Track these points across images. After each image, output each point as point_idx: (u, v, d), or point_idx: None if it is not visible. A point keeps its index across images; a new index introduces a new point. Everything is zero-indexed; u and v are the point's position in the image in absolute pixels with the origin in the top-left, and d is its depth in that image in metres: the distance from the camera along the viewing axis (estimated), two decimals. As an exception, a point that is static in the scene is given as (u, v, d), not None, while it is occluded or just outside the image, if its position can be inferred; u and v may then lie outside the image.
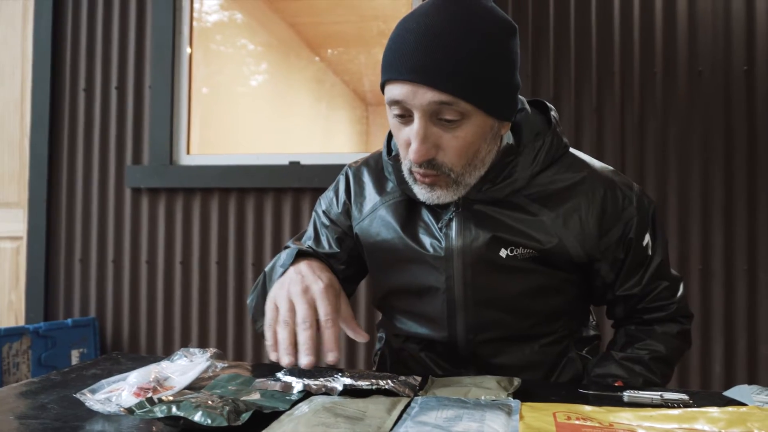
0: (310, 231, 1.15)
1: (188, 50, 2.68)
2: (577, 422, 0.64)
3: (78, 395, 0.73)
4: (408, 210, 1.02)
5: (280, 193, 2.52)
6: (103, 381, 0.77)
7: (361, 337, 0.87)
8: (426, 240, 0.99)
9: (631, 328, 1.07)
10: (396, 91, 0.85)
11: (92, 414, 0.70)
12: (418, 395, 0.76)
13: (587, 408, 0.70)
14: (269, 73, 3.50)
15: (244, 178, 2.52)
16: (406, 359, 1.10)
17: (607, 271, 1.01)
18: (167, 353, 0.90)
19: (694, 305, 2.22)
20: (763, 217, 2.20)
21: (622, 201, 0.98)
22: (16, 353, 2.37)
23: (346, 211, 1.10)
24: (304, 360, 0.78)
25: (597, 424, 0.64)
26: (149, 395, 0.71)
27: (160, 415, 0.64)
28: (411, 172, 0.93)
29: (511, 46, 0.87)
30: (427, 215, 1.00)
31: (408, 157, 0.90)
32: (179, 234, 2.60)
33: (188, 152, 2.66)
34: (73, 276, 2.69)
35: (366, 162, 1.12)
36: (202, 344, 2.56)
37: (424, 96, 0.83)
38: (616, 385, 0.96)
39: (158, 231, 2.62)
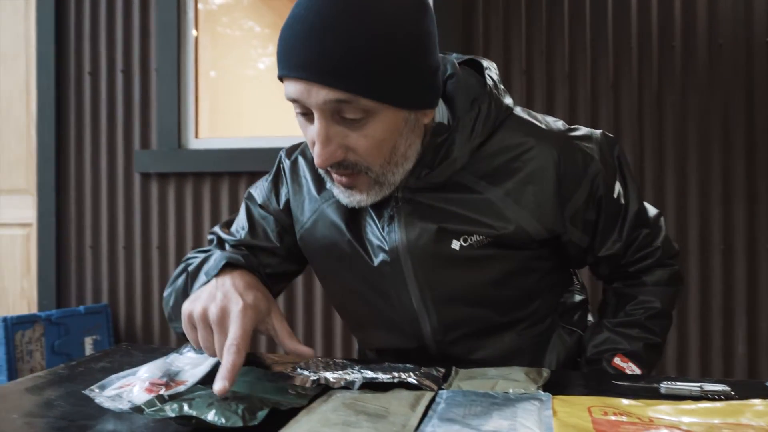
0: (243, 221, 1.00)
1: (194, 33, 2.63)
2: (614, 418, 0.60)
3: (87, 392, 0.69)
4: (353, 208, 0.88)
5: (291, 176, 2.48)
6: (113, 376, 0.74)
7: (304, 354, 0.77)
8: (373, 241, 0.89)
9: (619, 286, 0.99)
10: (290, 88, 0.75)
11: (102, 412, 0.66)
12: (443, 389, 0.72)
13: (624, 402, 0.66)
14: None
15: (254, 162, 2.48)
16: None
17: (581, 237, 0.90)
18: (182, 341, 0.86)
19: (716, 285, 2.17)
20: (787, 193, 2.13)
21: (583, 159, 0.87)
22: (29, 341, 2.36)
23: (288, 209, 0.98)
24: (217, 385, 0.65)
25: (636, 420, 0.60)
26: (161, 392, 0.68)
27: (171, 414, 0.60)
28: (327, 172, 0.82)
29: (419, 26, 0.74)
30: (370, 212, 0.89)
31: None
32: (190, 219, 2.57)
33: (197, 136, 2.62)
34: (84, 263, 2.67)
35: (303, 152, 0.99)
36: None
37: (318, 95, 0.72)
38: (627, 372, 0.90)
39: (168, 216, 2.59)
